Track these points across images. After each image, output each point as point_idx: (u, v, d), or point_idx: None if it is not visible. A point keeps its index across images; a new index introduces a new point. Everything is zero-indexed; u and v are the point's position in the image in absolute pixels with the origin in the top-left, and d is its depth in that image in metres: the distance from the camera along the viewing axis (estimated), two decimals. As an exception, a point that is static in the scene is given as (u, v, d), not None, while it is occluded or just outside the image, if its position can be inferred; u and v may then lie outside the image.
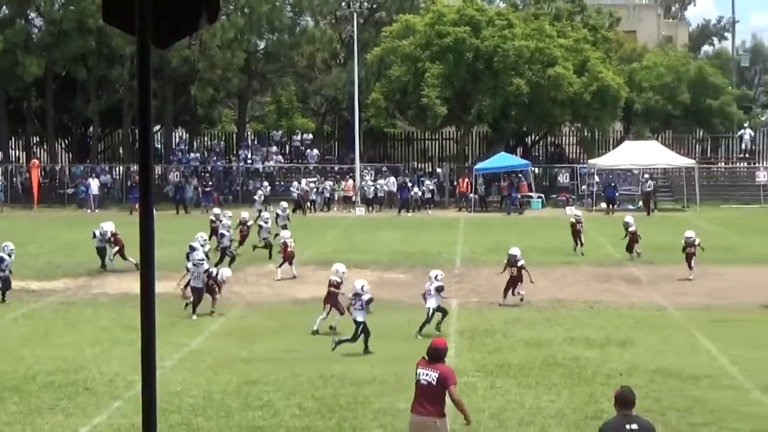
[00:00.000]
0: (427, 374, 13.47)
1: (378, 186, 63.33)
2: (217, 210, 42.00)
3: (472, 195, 62.51)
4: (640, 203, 60.82)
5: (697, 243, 33.05)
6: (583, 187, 64.49)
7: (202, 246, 31.66)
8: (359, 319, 22.69)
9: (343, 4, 76.26)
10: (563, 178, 66.63)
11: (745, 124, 74.38)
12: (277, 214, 42.56)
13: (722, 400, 18.32)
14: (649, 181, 61.52)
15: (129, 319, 24.86)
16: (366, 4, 77.22)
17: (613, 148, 68.06)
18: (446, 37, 62.83)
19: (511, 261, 28.70)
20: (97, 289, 31.88)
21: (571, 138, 76.73)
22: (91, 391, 19.22)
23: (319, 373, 20.38)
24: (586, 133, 72.10)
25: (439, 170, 69.05)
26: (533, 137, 75.99)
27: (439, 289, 24.77)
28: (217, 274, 27.95)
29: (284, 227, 40.75)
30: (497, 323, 25.32)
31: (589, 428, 16.11)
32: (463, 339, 23.55)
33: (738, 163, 73.47)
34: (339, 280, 25.20)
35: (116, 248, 35.29)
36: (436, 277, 25.19)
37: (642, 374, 20.15)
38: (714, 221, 53.10)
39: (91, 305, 29.13)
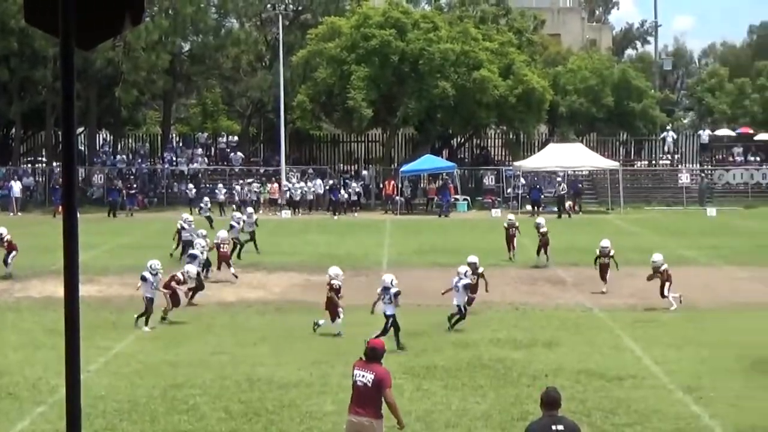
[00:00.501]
0: (363, 375, 13.49)
1: (306, 189, 63.19)
2: (186, 215, 41.18)
3: (398, 197, 62.63)
4: (568, 204, 61.02)
5: (611, 254, 31.84)
6: (509, 189, 64.92)
7: (202, 252, 31.86)
8: (388, 312, 22.99)
9: (269, 6, 75.97)
10: (489, 181, 66.91)
11: (668, 127, 75.37)
12: (243, 220, 41.58)
13: (646, 401, 18.49)
14: (563, 185, 61.84)
15: (52, 323, 24.61)
16: (291, 6, 76.95)
17: (538, 150, 68.62)
18: (372, 39, 62.84)
19: (472, 269, 27.88)
20: (20, 292, 31.45)
21: (496, 140, 77.30)
22: (14, 396, 18.96)
23: (245, 377, 20.28)
24: (511, 136, 72.51)
25: (365, 173, 69.04)
26: (459, 139, 76.22)
27: (467, 287, 24.83)
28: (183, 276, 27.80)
29: (252, 233, 40.48)
30: (424, 325, 25.33)
31: (515, 429, 16.19)
32: (390, 341, 23.52)
33: (661, 165, 74.34)
34: (340, 284, 24.95)
35: (13, 252, 34.70)
36: (465, 273, 25.18)
37: (567, 375, 20.28)
38: (637, 223, 53.69)
39: (14, 309, 28.73)
